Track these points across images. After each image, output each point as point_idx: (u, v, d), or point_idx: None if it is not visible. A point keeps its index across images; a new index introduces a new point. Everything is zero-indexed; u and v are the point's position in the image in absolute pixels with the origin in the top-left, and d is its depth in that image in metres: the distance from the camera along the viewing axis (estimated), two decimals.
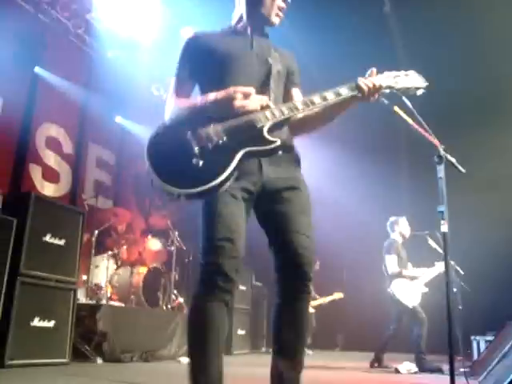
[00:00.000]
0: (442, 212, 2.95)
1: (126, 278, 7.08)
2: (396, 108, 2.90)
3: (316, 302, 9.85)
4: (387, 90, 2.45)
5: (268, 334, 10.21)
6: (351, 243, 10.59)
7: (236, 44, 2.38)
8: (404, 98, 2.88)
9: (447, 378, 2.88)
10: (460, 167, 3.01)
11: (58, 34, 8.11)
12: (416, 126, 2.93)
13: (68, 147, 8.58)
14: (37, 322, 4.84)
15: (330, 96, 2.29)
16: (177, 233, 8.14)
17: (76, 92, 8.46)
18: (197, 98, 2.32)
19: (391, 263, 6.45)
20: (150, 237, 7.95)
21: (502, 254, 9.01)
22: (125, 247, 7.43)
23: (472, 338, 7.43)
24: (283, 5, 2.40)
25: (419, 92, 2.52)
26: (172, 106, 2.35)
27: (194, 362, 2.19)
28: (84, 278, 7.00)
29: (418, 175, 9.24)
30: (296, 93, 2.51)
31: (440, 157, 2.95)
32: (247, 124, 2.17)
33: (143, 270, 7.18)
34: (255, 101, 2.19)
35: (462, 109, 9.88)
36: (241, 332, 8.71)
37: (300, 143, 2.52)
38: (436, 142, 2.95)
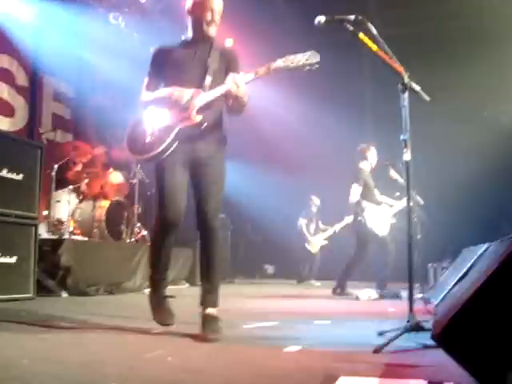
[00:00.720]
0: (405, 140, 2.95)
1: (88, 212, 7.01)
2: (361, 35, 2.83)
3: (326, 234, 10.04)
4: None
5: (232, 264, 10.40)
6: (315, 170, 10.66)
7: (184, 53, 3.31)
8: (370, 24, 2.82)
9: (406, 303, 2.98)
10: (424, 95, 2.98)
11: None
12: (381, 53, 2.87)
13: (22, 79, 8.23)
14: None
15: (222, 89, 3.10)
16: (139, 165, 8.02)
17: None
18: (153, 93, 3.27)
19: (354, 192, 6.48)
20: (111, 170, 7.82)
21: (462, 185, 9.25)
22: (86, 181, 7.31)
23: (429, 265, 7.69)
24: (210, 18, 3.24)
25: (314, 67, 3.04)
26: (142, 96, 3.31)
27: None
28: (45, 213, 6.90)
29: (381, 105, 9.27)
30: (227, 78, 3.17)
31: (404, 84, 2.91)
32: (182, 108, 3.12)
33: (105, 203, 7.11)
34: (187, 93, 3.12)
35: (430, 41, 9.82)
36: None
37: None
38: (401, 69, 2.90)
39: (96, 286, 6.03)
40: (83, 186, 7.29)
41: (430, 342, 2.37)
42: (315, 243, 10.26)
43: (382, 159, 6.76)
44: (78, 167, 7.47)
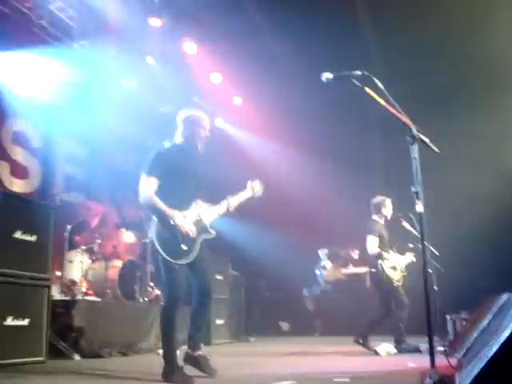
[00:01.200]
0: (417, 192, 2.94)
1: (101, 273, 6.98)
2: (367, 89, 2.88)
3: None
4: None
5: (247, 322, 10.24)
6: (327, 231, 10.63)
7: (180, 162, 4.07)
8: (375, 79, 2.88)
9: (427, 357, 2.90)
10: (434, 147, 3.00)
11: (20, 24, 7.86)
12: (388, 107, 2.91)
13: (36, 141, 8.39)
14: (10, 321, 4.73)
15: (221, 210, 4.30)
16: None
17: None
18: (159, 204, 3.91)
19: (372, 243, 6.43)
20: (123, 230, 7.84)
21: (475, 234, 9.15)
22: (99, 241, 7.31)
23: (447, 317, 7.53)
24: (203, 135, 4.20)
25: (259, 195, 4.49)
26: (151, 197, 3.91)
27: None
28: (58, 274, 6.88)
29: (391, 157, 9.33)
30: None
31: (413, 137, 2.93)
32: (199, 223, 4.10)
33: (118, 263, 7.09)
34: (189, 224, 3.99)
35: (436, 92, 9.96)
36: (219, 322, 8.69)
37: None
38: (408, 121, 2.93)
39: (109, 347, 5.93)
40: (96, 247, 7.29)
41: None
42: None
43: (394, 211, 6.73)
44: (91, 228, 7.50)
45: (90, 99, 9.19)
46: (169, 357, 3.85)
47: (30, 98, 8.02)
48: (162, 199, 3.91)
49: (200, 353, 4.10)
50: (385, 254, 6.42)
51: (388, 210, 6.68)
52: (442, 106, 9.74)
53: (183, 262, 3.93)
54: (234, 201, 4.31)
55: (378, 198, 6.75)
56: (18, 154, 8.00)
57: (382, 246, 6.47)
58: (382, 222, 6.65)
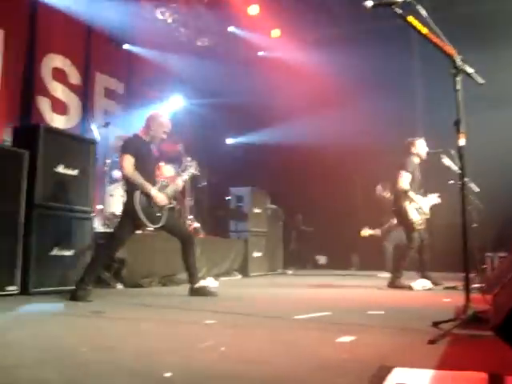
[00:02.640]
0: (459, 125, 2.86)
1: None
2: (410, 18, 2.76)
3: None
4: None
5: (285, 255, 10.40)
6: (365, 162, 10.48)
7: (147, 151, 5.06)
8: (419, 6, 2.74)
9: (462, 293, 2.91)
10: (478, 78, 2.87)
11: None
12: (431, 36, 2.78)
13: (75, 78, 8.45)
14: (56, 252, 4.95)
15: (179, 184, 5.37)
16: (189, 158, 8.09)
17: (80, 19, 8.20)
18: (140, 179, 4.82)
19: (404, 179, 6.35)
20: (163, 163, 7.94)
21: None
22: None
23: (486, 254, 7.47)
24: (168, 129, 5.18)
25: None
26: (133, 174, 4.81)
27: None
28: (99, 207, 7.08)
29: (434, 90, 9.01)
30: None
31: (457, 68, 2.81)
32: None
33: None
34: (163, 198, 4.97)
35: (482, 25, 9.46)
36: (257, 254, 8.86)
37: None
38: (453, 51, 2.80)
39: (150, 277, 6.15)
40: None
41: (488, 333, 2.31)
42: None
43: (434, 147, 6.58)
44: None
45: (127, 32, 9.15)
46: (85, 279, 4.54)
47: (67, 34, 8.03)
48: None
49: (200, 284, 5.13)
50: (412, 195, 6.32)
51: (419, 149, 6.53)
52: (491, 34, 9.25)
53: (158, 225, 4.90)
54: (182, 179, 5.41)
55: (409, 139, 6.63)
56: (58, 90, 8.09)
57: (412, 185, 6.38)
58: (415, 161, 6.53)
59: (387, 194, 8.92)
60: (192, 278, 5.10)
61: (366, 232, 9.11)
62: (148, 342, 2.60)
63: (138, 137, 5.06)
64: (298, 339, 2.76)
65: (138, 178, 4.78)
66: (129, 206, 4.79)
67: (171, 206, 5.10)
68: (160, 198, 4.88)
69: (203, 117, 11.40)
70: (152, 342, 2.62)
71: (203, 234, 8.40)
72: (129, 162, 4.78)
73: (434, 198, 6.56)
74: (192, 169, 5.48)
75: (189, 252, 5.13)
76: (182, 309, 4.11)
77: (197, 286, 5.07)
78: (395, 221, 7.88)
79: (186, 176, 5.49)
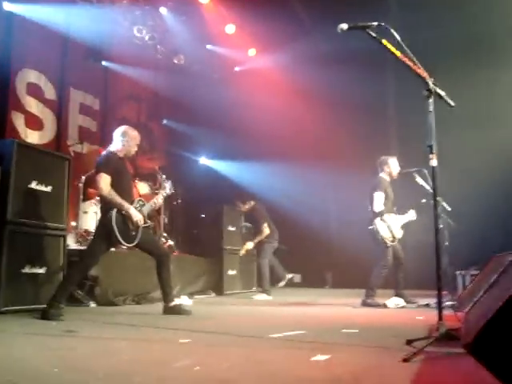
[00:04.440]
0: (431, 146, 2.92)
1: None
2: (384, 41, 2.82)
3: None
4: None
5: (258, 273, 10.37)
6: (338, 180, 10.59)
7: (123, 167, 5.06)
8: (392, 30, 2.81)
9: (434, 311, 2.94)
10: (450, 100, 2.95)
11: None
12: (405, 59, 2.85)
13: (50, 93, 8.39)
14: (28, 269, 4.85)
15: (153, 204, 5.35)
16: (164, 176, 8.07)
17: (56, 34, 8.16)
18: (117, 198, 4.80)
19: (377, 200, 6.45)
20: (137, 181, 7.90)
21: (488, 191, 9.07)
22: None
23: (457, 272, 7.57)
24: (138, 143, 5.21)
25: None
26: (110, 193, 4.77)
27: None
28: (73, 224, 6.99)
29: (406, 112, 9.20)
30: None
31: (429, 90, 2.89)
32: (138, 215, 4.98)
33: None
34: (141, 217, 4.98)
35: (452, 46, 9.70)
36: (231, 272, 8.83)
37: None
38: (425, 74, 2.88)
39: (123, 295, 6.08)
40: None
41: (460, 351, 2.34)
42: None
43: (408, 166, 6.69)
44: None
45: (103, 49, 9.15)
46: (58, 297, 4.51)
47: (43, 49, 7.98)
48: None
49: (174, 303, 5.10)
50: (385, 214, 6.42)
51: (392, 167, 6.66)
52: (460, 59, 9.50)
53: (132, 244, 4.91)
54: (159, 200, 5.45)
55: (383, 157, 6.74)
56: (33, 106, 8.02)
57: (385, 203, 6.48)
58: (387, 179, 6.65)
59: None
60: (166, 296, 5.08)
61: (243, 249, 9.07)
62: (120, 362, 2.57)
63: (112, 153, 5.02)
64: (273, 358, 2.75)
65: (115, 197, 4.76)
66: (104, 224, 4.77)
67: (146, 225, 5.10)
68: (138, 217, 4.88)
69: (179, 135, 11.38)
70: (126, 361, 2.59)
71: (177, 251, 8.35)
72: (106, 180, 4.76)
73: (409, 215, 6.64)
74: (167, 188, 5.56)
75: (164, 270, 5.12)
76: (156, 327, 4.07)
77: (171, 304, 5.05)
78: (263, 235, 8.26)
79: (163, 194, 5.51)
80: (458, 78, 7.79)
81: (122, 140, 5.07)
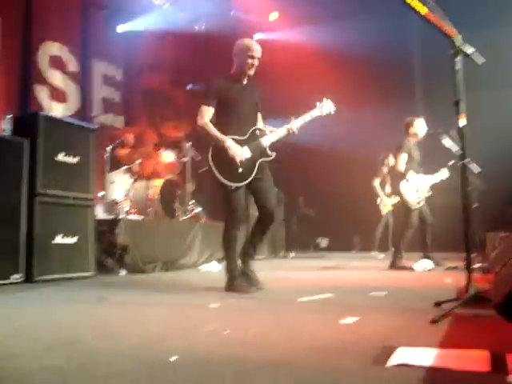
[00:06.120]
0: (459, 106, 2.85)
1: (142, 192, 7.16)
2: None
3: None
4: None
5: (286, 238, 10.43)
6: (365, 143, 10.46)
7: (235, 88, 4.22)
8: None
9: (463, 273, 2.93)
10: (478, 58, 2.86)
11: None
12: (430, 17, 2.76)
13: (73, 65, 8.41)
14: (59, 240, 4.97)
15: (281, 132, 4.28)
16: (190, 143, 8.09)
17: (74, 6, 8.15)
18: (217, 132, 4.08)
19: (401, 161, 6.39)
20: (162, 149, 7.95)
21: None
22: (139, 161, 7.45)
23: (486, 234, 7.49)
24: (255, 63, 4.19)
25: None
26: (207, 126, 4.09)
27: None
28: (101, 194, 7.09)
29: (433, 72, 8.98)
30: (259, 116, 4.41)
31: (456, 48, 2.80)
32: (256, 145, 4.19)
33: (159, 182, 7.25)
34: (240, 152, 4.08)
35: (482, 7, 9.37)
36: None
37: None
38: (453, 32, 2.78)
39: (153, 263, 6.18)
40: (136, 167, 7.44)
41: (491, 312, 2.32)
42: (387, 203, 9.54)
43: (435, 127, 6.57)
44: (130, 147, 7.64)
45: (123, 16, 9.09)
46: (230, 269, 4.19)
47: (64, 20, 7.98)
48: (218, 127, 4.12)
49: (252, 270, 4.29)
50: (409, 175, 6.35)
51: (418, 128, 6.54)
52: (492, 16, 9.18)
53: (239, 184, 4.08)
54: (297, 122, 4.31)
55: (408, 118, 6.62)
56: (56, 78, 8.06)
57: (409, 165, 6.41)
58: (412, 141, 6.55)
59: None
60: (248, 257, 4.32)
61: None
62: (152, 328, 2.62)
63: (222, 78, 4.29)
64: (301, 321, 2.78)
65: (210, 129, 4.09)
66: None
67: (265, 159, 4.23)
68: (234, 151, 4.04)
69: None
70: (156, 327, 2.65)
71: (205, 218, 8.42)
72: (203, 112, 4.12)
73: (440, 175, 6.57)
74: (327, 107, 4.45)
75: (260, 231, 4.33)
76: (187, 293, 4.14)
77: (250, 270, 4.28)
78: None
79: (315, 114, 4.42)
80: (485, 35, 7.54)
81: (233, 58, 4.26)
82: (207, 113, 4.13)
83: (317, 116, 4.40)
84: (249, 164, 4.11)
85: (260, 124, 4.37)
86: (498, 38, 8.51)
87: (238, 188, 4.09)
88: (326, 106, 4.42)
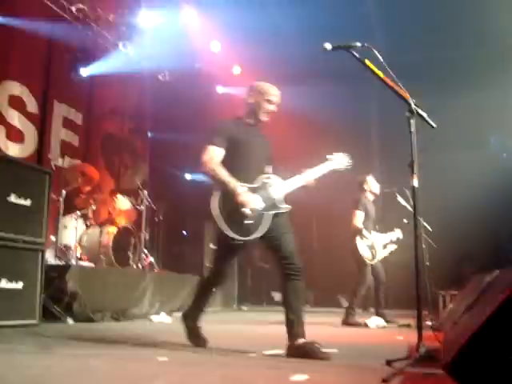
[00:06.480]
0: (413, 167, 2.95)
1: (95, 238, 7.01)
2: (367, 61, 2.86)
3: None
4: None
5: (239, 291, 10.32)
6: (321, 198, 10.61)
7: (247, 132, 3.80)
8: (375, 51, 2.85)
9: (415, 331, 2.94)
10: (431, 121, 2.99)
11: None
12: (387, 80, 2.89)
13: (32, 106, 8.33)
14: (5, 284, 4.76)
15: (297, 183, 3.84)
16: (146, 192, 8.04)
17: (39, 47, 8.14)
18: (228, 177, 3.58)
19: (357, 218, 6.51)
20: (119, 196, 7.85)
21: (470, 212, 9.17)
22: (93, 207, 7.32)
23: (438, 293, 7.61)
24: (272, 110, 3.83)
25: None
26: (216, 166, 3.62)
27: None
28: (52, 238, 6.90)
29: (388, 133, 9.31)
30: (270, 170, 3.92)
31: (411, 111, 2.93)
32: (267, 197, 3.69)
33: (113, 229, 7.12)
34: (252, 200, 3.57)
35: (434, 69, 9.87)
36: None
37: None
38: (407, 95, 2.91)
39: (102, 312, 5.99)
40: (90, 212, 7.30)
41: (440, 372, 2.33)
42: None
43: (389, 186, 6.75)
44: (86, 193, 7.51)
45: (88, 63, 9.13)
46: (191, 319, 4.04)
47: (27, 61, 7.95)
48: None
49: (304, 340, 3.55)
50: (364, 232, 6.47)
51: (371, 186, 6.73)
52: (440, 81, 9.66)
53: (244, 238, 3.56)
54: (311, 173, 3.91)
55: (360, 177, 6.80)
56: (14, 118, 7.94)
57: (365, 222, 6.53)
58: (368, 198, 6.72)
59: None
60: (291, 329, 3.65)
61: None
62: (97, 381, 2.51)
63: (235, 119, 3.93)
64: (251, 377, 2.72)
65: (220, 172, 3.61)
66: (211, 214, 3.62)
67: (278, 211, 3.72)
68: (245, 198, 3.55)
69: (163, 150, 11.36)
70: (101, 381, 2.54)
71: (158, 268, 8.28)
72: (211, 153, 3.67)
73: (394, 234, 6.69)
74: (342, 162, 4.16)
75: (290, 289, 3.68)
76: (135, 345, 4.00)
77: (298, 342, 3.55)
78: None
79: (330, 167, 4.09)
80: (439, 100, 7.91)
81: (248, 99, 3.88)
82: (216, 154, 3.66)
83: (332, 169, 4.07)
84: (259, 217, 3.61)
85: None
86: (446, 101, 8.91)
87: (240, 243, 3.57)
88: (340, 160, 4.13)
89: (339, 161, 4.10)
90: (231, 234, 3.52)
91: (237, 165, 3.67)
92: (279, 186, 3.76)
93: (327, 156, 4.10)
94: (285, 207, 3.73)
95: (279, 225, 3.69)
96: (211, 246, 8.73)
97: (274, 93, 3.82)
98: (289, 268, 3.61)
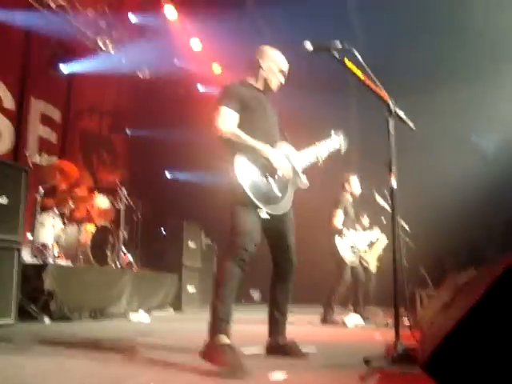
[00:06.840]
0: (391, 167, 2.97)
1: (73, 237, 6.93)
2: (347, 60, 2.87)
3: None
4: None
5: None
6: (299, 198, 10.65)
7: (260, 99, 3.43)
8: (355, 51, 2.86)
9: (392, 330, 2.97)
10: (410, 123, 3.02)
11: None
12: (366, 80, 2.91)
13: (9, 102, 8.20)
14: None
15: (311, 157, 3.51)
16: (125, 190, 7.97)
17: (16, 42, 8.02)
18: (245, 136, 3.17)
19: (337, 218, 6.52)
20: (97, 194, 7.76)
21: (444, 212, 9.28)
22: (72, 205, 7.23)
23: (415, 292, 7.69)
24: (285, 69, 3.52)
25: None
26: (231, 129, 3.19)
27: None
28: (29, 237, 6.80)
29: (367, 134, 9.35)
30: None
31: (390, 112, 2.94)
32: (289, 169, 3.30)
33: (91, 228, 7.04)
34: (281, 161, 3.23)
35: (412, 71, 9.95)
36: (191, 289, 8.74)
37: None
38: (386, 96, 2.93)
39: (79, 311, 5.93)
40: (68, 210, 7.21)
41: (417, 370, 2.35)
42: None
43: (369, 186, 6.80)
44: (64, 191, 7.41)
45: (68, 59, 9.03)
46: (216, 326, 3.26)
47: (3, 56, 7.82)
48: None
49: (284, 338, 3.51)
50: (345, 231, 6.49)
51: (353, 186, 6.76)
52: (421, 81, 9.75)
53: (274, 212, 3.17)
54: (322, 151, 3.58)
55: (343, 176, 6.83)
56: None
57: (345, 222, 6.56)
58: (349, 197, 6.74)
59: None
60: (277, 326, 3.61)
61: None
62: (73, 381, 2.48)
63: (243, 82, 3.52)
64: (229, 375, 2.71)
65: (241, 135, 3.18)
66: (231, 182, 3.12)
67: (299, 185, 3.41)
68: (279, 161, 3.22)
69: (143, 148, 11.29)
70: (78, 380, 2.51)
71: (136, 267, 8.22)
72: (225, 116, 3.22)
73: (373, 234, 6.73)
74: (341, 143, 3.79)
75: (281, 284, 3.55)
76: (112, 344, 3.97)
77: (280, 341, 3.54)
78: None
79: (332, 147, 3.72)
80: (419, 99, 7.98)
81: (258, 62, 3.50)
82: (231, 117, 3.22)
83: (334, 150, 3.73)
84: (285, 190, 3.27)
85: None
86: (424, 103, 8.99)
87: (266, 218, 3.13)
88: (341, 140, 3.79)
89: (340, 140, 3.76)
90: (257, 203, 3.06)
91: (251, 133, 3.20)
92: (297, 158, 3.42)
93: (332, 131, 3.76)
94: (305, 183, 3.39)
95: (291, 209, 3.41)
96: (189, 244, 8.71)
97: (286, 65, 3.51)
98: (284, 267, 3.49)
